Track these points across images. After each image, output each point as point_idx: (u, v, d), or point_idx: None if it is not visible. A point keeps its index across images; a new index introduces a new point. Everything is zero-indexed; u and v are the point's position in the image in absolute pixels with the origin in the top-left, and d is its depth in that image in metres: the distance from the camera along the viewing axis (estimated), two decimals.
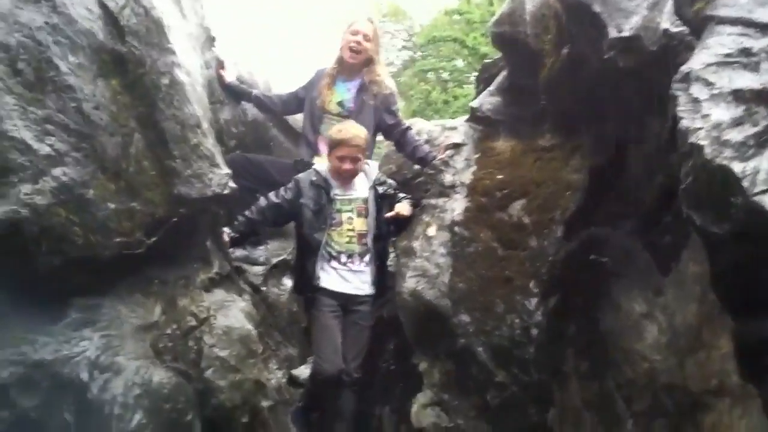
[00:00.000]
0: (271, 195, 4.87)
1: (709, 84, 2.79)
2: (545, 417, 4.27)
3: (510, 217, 4.76)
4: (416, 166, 5.68)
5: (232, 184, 4.50)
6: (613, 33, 3.94)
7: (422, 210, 5.22)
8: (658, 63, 3.63)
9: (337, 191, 4.83)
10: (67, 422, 3.67)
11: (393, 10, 21.44)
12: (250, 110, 6.24)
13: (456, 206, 5.00)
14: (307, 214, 4.76)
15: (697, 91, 2.79)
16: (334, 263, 4.74)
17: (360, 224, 4.81)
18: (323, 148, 5.53)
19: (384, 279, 4.94)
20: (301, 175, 4.94)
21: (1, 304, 3.64)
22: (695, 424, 3.28)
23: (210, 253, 4.59)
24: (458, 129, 5.68)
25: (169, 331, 4.13)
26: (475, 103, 5.79)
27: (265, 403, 4.31)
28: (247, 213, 4.83)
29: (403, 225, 5.00)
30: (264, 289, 5.53)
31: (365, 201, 4.84)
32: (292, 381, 4.97)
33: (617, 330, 3.95)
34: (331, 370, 4.42)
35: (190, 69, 4.60)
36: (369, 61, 5.70)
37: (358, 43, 5.57)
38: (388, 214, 4.77)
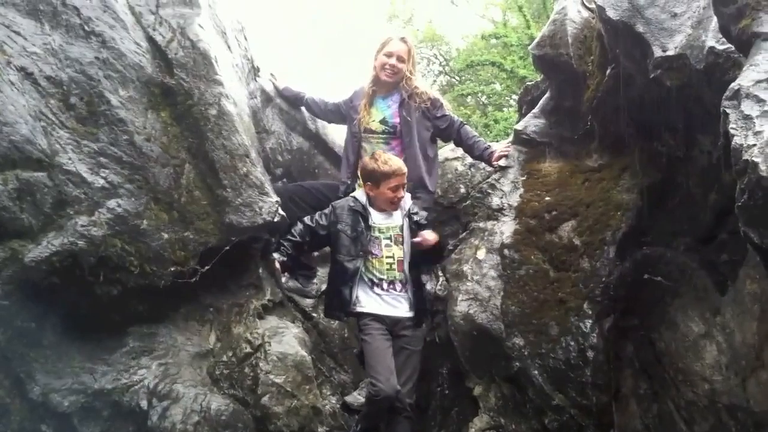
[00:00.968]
0: (307, 219, 4.90)
1: (760, 101, 2.78)
2: None
3: (560, 238, 4.75)
4: (462, 190, 5.68)
5: (281, 212, 4.55)
6: (657, 52, 3.95)
7: (471, 233, 5.23)
8: (706, 80, 3.63)
9: (375, 219, 4.85)
10: None
11: (430, 35, 21.55)
12: (295, 138, 6.30)
13: (505, 229, 5.01)
14: (344, 240, 4.78)
15: (748, 107, 2.78)
16: (377, 290, 4.74)
17: (398, 251, 4.82)
18: None
19: (423, 305, 4.91)
20: (338, 202, 4.96)
21: (61, 334, 3.72)
22: None
23: (262, 280, 4.64)
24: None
25: (225, 359, 4.18)
26: (519, 126, 5.79)
27: (321, 429, 4.31)
28: (288, 236, 4.87)
29: (434, 255, 4.97)
30: (315, 315, 5.55)
31: (401, 229, 4.85)
32: (346, 407, 4.96)
33: (675, 350, 3.92)
34: (388, 391, 4.40)
35: (236, 99, 4.68)
36: (401, 81, 5.56)
37: (393, 66, 5.55)
38: (415, 240, 4.74)
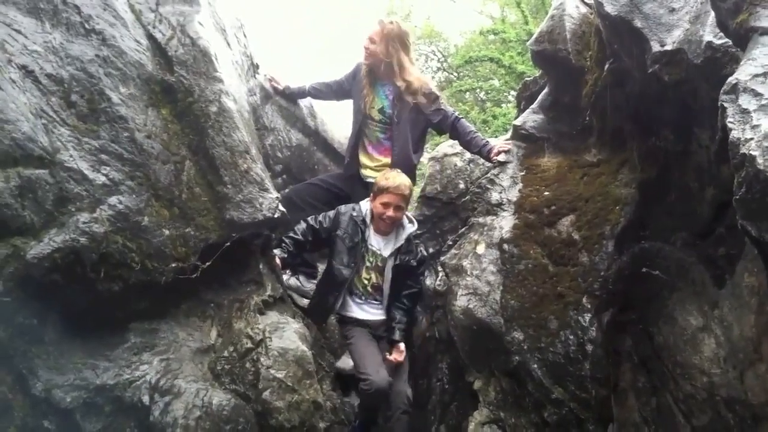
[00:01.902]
0: (310, 219, 4.98)
1: (757, 95, 2.79)
2: None
3: (559, 233, 4.77)
4: (461, 186, 5.71)
5: (281, 208, 4.56)
6: (655, 47, 3.97)
7: (470, 228, 5.25)
8: (704, 75, 3.65)
9: (370, 237, 4.91)
10: None
11: (428, 32, 21.55)
12: (294, 135, 6.33)
13: (504, 224, 5.03)
14: (340, 247, 4.86)
15: (746, 101, 2.80)
16: (355, 298, 4.93)
17: (375, 278, 4.90)
18: (371, 150, 5.73)
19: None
20: (343, 207, 5.02)
21: (63, 330, 3.73)
22: None
23: (263, 276, 4.64)
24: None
25: (226, 354, 4.19)
26: (518, 121, 5.82)
27: (322, 424, 4.32)
28: (291, 234, 4.93)
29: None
30: None
31: (383, 261, 4.90)
32: (338, 375, 5.02)
33: (674, 344, 3.93)
34: (379, 383, 4.46)
35: (236, 96, 4.69)
36: (391, 64, 5.52)
37: (365, 47, 5.55)
38: (389, 357, 4.84)
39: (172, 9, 4.52)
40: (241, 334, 4.28)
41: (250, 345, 4.23)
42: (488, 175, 5.49)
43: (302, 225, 4.95)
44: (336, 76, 6.09)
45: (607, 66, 4.73)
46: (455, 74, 19.73)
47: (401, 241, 4.92)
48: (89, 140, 3.82)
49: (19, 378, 3.55)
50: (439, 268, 5.28)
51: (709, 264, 3.88)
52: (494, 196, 5.30)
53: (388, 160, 5.60)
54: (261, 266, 4.67)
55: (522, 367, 4.44)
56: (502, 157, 5.47)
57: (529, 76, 7.78)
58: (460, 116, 5.68)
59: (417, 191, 6.77)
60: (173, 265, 4.04)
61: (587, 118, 5.16)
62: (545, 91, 5.85)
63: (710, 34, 3.59)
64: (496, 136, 8.80)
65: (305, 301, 5.34)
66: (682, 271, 4.03)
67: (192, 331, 4.24)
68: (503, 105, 15.83)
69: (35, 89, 3.68)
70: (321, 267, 5.56)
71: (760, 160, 2.52)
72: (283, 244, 4.90)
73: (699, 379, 3.73)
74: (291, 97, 6.22)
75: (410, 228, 4.99)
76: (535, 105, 5.84)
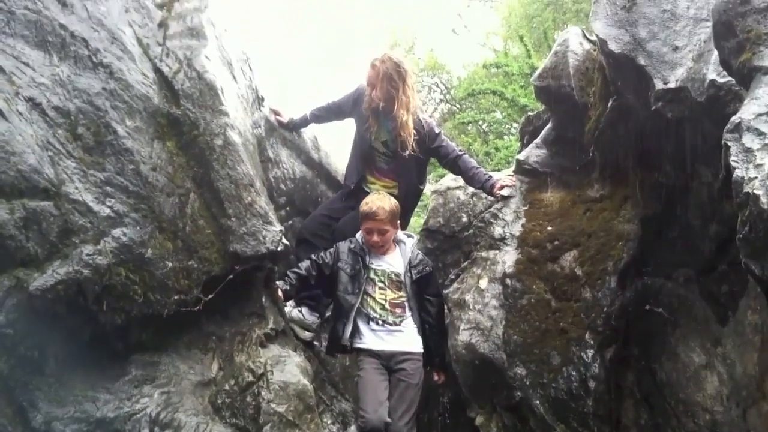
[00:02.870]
0: (314, 255, 4.99)
1: (761, 134, 2.80)
2: None
3: (562, 268, 4.77)
4: (464, 219, 5.71)
5: (284, 241, 4.57)
6: (659, 84, 3.99)
7: (473, 262, 5.25)
8: (707, 113, 3.66)
9: (371, 260, 4.90)
10: None
11: (431, 64, 21.70)
12: (298, 167, 6.34)
13: (507, 258, 5.03)
14: (343, 278, 4.86)
15: (749, 140, 2.81)
16: (372, 324, 4.82)
17: (392, 295, 4.85)
18: (377, 174, 5.75)
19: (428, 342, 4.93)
20: (341, 243, 5.04)
21: (64, 362, 3.72)
22: None
23: (265, 309, 4.64)
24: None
25: (227, 387, 4.17)
26: (521, 156, 5.83)
27: None
28: (295, 269, 4.94)
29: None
30: (316, 344, 5.56)
31: (397, 275, 4.87)
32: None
33: (676, 381, 3.92)
34: (375, 422, 4.41)
35: (241, 129, 4.71)
36: (393, 100, 5.43)
37: (367, 95, 5.51)
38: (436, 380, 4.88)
39: (180, 43, 4.56)
40: (242, 367, 4.26)
41: (251, 378, 4.22)
42: (491, 209, 5.49)
43: (306, 262, 4.97)
44: (334, 98, 6.08)
45: (610, 102, 4.75)
46: (458, 106, 19.81)
47: (409, 252, 4.92)
48: (95, 172, 3.83)
49: (20, 410, 3.53)
50: None
51: (711, 301, 3.88)
52: (497, 231, 5.30)
53: (394, 182, 5.67)
54: (263, 299, 4.67)
55: (524, 403, 4.42)
56: (505, 192, 5.47)
57: (532, 110, 7.83)
58: (462, 152, 5.68)
59: (420, 222, 6.76)
60: (176, 297, 4.03)
61: (590, 154, 5.17)
62: (548, 126, 5.87)
63: (713, 72, 3.61)
64: (498, 169, 8.83)
65: (306, 334, 5.33)
66: (685, 307, 4.03)
67: (193, 364, 4.22)
68: (506, 137, 15.84)
69: (42, 121, 3.70)
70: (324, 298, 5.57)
71: (763, 200, 2.53)
72: (286, 278, 4.90)
73: (701, 416, 3.72)
74: (294, 128, 6.25)
75: (410, 241, 5.00)
76: (538, 140, 5.85)
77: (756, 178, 2.64)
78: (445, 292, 5.25)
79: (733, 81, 3.39)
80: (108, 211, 3.80)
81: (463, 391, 4.89)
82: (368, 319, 4.78)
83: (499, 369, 4.55)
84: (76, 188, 3.72)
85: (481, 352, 4.65)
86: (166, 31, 4.56)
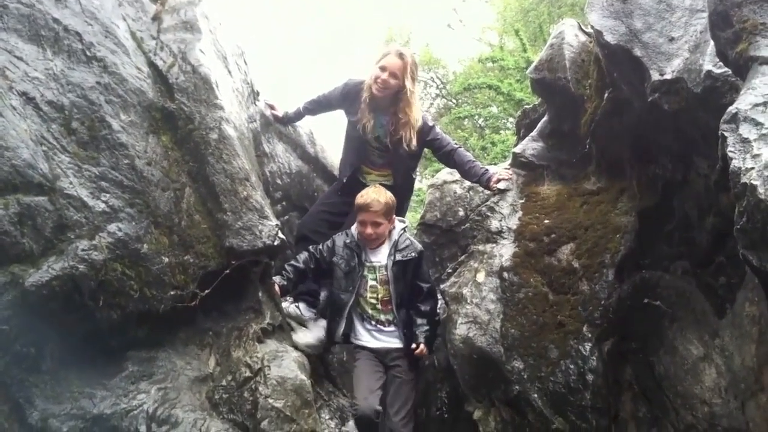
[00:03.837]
0: (311, 247, 4.99)
1: (757, 124, 2.79)
2: None
3: (559, 261, 4.77)
4: (461, 213, 5.70)
5: (281, 236, 4.55)
6: (655, 76, 3.99)
7: (470, 256, 5.24)
8: (703, 104, 3.65)
9: (366, 257, 4.89)
10: None
11: (427, 59, 21.66)
12: (294, 162, 6.33)
13: (504, 252, 5.02)
14: (338, 274, 4.86)
15: (746, 131, 2.80)
16: (367, 324, 4.86)
17: (383, 292, 4.85)
18: (371, 167, 5.73)
19: (410, 342, 4.89)
20: (337, 236, 5.03)
21: (60, 359, 3.69)
22: None
23: (262, 304, 4.61)
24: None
25: (224, 383, 4.15)
26: (517, 149, 5.83)
27: None
28: (293, 262, 4.93)
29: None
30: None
31: (386, 269, 4.87)
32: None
33: (674, 373, 3.92)
34: (364, 409, 4.48)
35: (237, 123, 4.68)
36: (398, 95, 5.46)
37: (384, 81, 5.37)
38: (416, 352, 4.78)
39: (174, 36, 4.53)
40: (239, 362, 4.24)
41: (248, 374, 4.19)
42: (488, 202, 5.49)
43: (304, 254, 4.96)
44: (323, 90, 6.07)
45: (606, 94, 4.74)
46: (454, 101, 19.82)
47: (394, 238, 4.90)
48: (89, 167, 3.81)
49: (16, 407, 3.51)
50: (439, 296, 5.26)
51: (709, 293, 3.88)
52: (494, 224, 5.30)
53: (388, 171, 5.68)
54: (260, 294, 4.64)
55: (522, 397, 4.41)
56: (502, 185, 5.45)
57: (528, 104, 7.81)
58: (458, 145, 5.65)
59: (416, 217, 6.75)
60: (172, 293, 4.01)
61: (587, 147, 5.17)
62: (545, 119, 5.86)
63: (710, 63, 3.60)
64: (495, 163, 8.82)
65: (305, 330, 5.32)
66: (683, 300, 4.02)
67: (190, 360, 4.20)
68: (502, 132, 15.85)
69: (36, 116, 3.67)
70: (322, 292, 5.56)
71: (761, 190, 2.52)
72: (284, 272, 4.90)
73: (700, 409, 3.72)
74: (289, 122, 6.22)
75: (400, 225, 4.98)
76: (534, 133, 5.85)
77: (753, 168, 2.63)
78: (442, 286, 5.25)
79: (730, 71, 3.39)
80: (103, 206, 3.78)
81: (460, 385, 4.88)
82: (363, 318, 4.82)
83: (497, 363, 4.54)
84: (71, 183, 3.69)
85: (479, 346, 4.64)
86: (160, 25, 4.54)
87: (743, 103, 2.89)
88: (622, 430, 4.15)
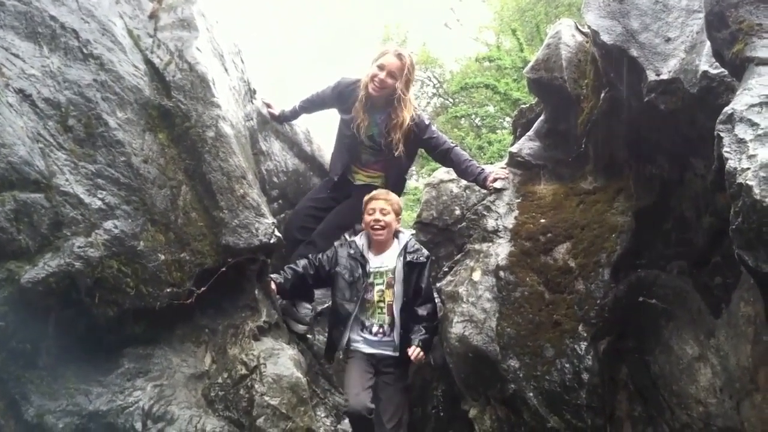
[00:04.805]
0: (311, 255, 5.01)
1: (753, 124, 2.80)
2: None
3: (555, 260, 4.77)
4: (457, 212, 5.70)
5: (278, 233, 4.55)
6: (651, 76, 4.00)
7: (466, 255, 5.24)
8: (700, 104, 3.66)
9: (372, 265, 4.90)
10: None
11: (423, 58, 21.67)
12: (291, 160, 6.33)
13: (500, 251, 5.03)
14: (341, 284, 4.87)
15: (742, 131, 2.80)
16: (365, 333, 4.87)
17: (389, 295, 4.87)
18: (362, 167, 5.77)
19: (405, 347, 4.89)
20: (339, 247, 5.06)
21: (57, 355, 3.70)
22: None
23: (258, 301, 4.61)
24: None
25: (220, 380, 4.15)
26: (514, 148, 5.83)
27: None
28: (292, 265, 4.96)
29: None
30: (310, 337, 5.56)
31: (393, 271, 4.88)
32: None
33: (670, 373, 3.92)
34: (355, 406, 4.52)
35: (233, 121, 4.69)
36: (394, 95, 5.41)
37: (382, 80, 5.36)
38: (412, 355, 4.76)
39: (171, 34, 4.53)
40: (235, 360, 4.25)
41: (244, 371, 4.20)
42: (484, 201, 5.49)
43: (304, 260, 4.99)
44: (317, 89, 6.07)
45: (602, 94, 4.75)
46: (451, 100, 19.85)
47: (403, 242, 4.93)
48: (86, 164, 3.81)
49: (12, 403, 3.51)
50: (435, 295, 5.26)
51: (705, 292, 3.88)
52: (490, 223, 5.30)
53: (379, 173, 5.70)
54: (256, 292, 4.64)
55: (518, 396, 4.42)
56: (498, 184, 5.46)
57: (525, 103, 7.82)
58: (454, 144, 5.65)
59: (413, 216, 6.74)
60: (168, 290, 4.02)
61: (583, 146, 5.17)
62: (541, 118, 5.87)
63: (706, 63, 3.61)
64: (491, 162, 8.82)
65: (300, 327, 5.32)
66: (679, 299, 4.03)
67: (186, 357, 4.20)
68: (498, 131, 15.89)
69: (32, 113, 3.67)
70: (318, 293, 5.57)
71: (756, 190, 2.53)
72: (282, 272, 4.91)
73: (695, 408, 3.72)
74: (285, 120, 6.22)
75: (408, 233, 5.05)
76: (531, 132, 5.86)
77: (749, 168, 2.63)
78: (438, 284, 5.26)
79: (726, 72, 3.40)
80: (99, 203, 3.78)
81: (456, 383, 4.88)
82: (362, 326, 4.83)
83: (493, 362, 4.55)
84: (67, 180, 3.69)
85: (475, 345, 4.65)
86: (157, 23, 4.54)
87: (739, 103, 2.89)
88: (618, 429, 4.16)
